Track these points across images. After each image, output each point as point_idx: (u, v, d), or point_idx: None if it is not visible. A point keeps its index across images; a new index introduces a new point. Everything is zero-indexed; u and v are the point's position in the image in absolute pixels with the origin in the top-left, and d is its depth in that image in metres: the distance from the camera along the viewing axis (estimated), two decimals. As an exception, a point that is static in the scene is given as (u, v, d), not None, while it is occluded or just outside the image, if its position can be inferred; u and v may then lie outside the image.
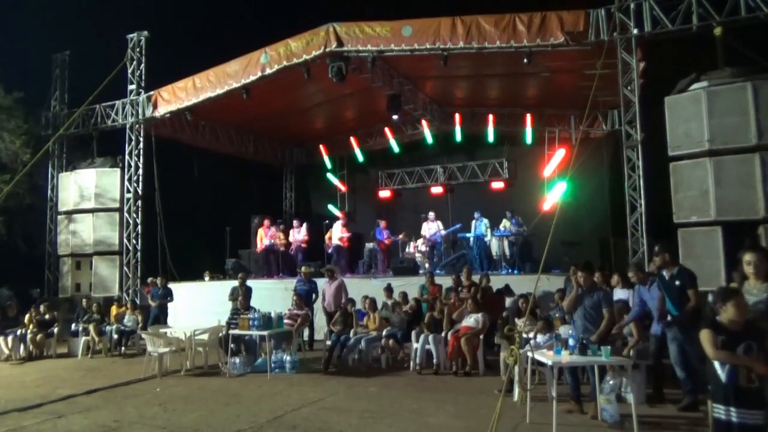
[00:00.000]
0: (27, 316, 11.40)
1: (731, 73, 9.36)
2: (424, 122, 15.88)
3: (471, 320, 8.52)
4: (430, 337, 8.61)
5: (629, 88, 10.25)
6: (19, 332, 11.11)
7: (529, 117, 14.97)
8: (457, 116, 15.66)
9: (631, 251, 10.06)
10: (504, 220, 13.06)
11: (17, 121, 14.86)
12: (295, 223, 15.05)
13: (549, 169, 14.25)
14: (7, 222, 13.71)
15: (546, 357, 5.65)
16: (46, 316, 11.61)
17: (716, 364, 3.62)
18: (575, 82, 12.05)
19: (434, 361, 8.52)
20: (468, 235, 13.34)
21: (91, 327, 11.29)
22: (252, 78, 12.65)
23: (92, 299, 13.04)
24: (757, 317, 3.99)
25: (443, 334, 8.66)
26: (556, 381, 5.51)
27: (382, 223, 14.40)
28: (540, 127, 14.96)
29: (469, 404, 6.58)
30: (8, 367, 10.37)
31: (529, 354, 5.85)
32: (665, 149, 9.68)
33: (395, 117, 14.46)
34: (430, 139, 16.21)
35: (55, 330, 11.60)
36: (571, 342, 5.67)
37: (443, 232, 13.83)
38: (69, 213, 15.14)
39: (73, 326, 11.78)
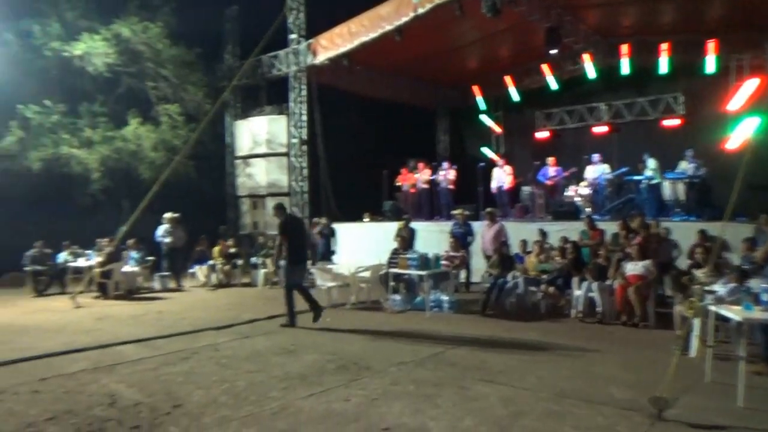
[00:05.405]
0: (216, 249, 12.99)
1: None
2: (585, 56, 14.71)
3: (639, 267, 7.99)
4: (594, 285, 8.25)
5: None
6: (210, 263, 12.78)
7: (712, 44, 13.12)
8: (624, 47, 14.26)
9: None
10: (682, 162, 11.82)
11: (199, 74, 16.42)
12: (444, 164, 15.04)
13: (736, 102, 12.52)
14: (196, 167, 15.46)
15: (733, 312, 5.14)
16: (231, 250, 13.18)
17: None
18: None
19: (597, 309, 8.19)
20: (637, 177, 12.31)
21: (268, 261, 12.54)
22: (404, 19, 12.61)
23: (267, 236, 14.42)
24: None
25: (609, 282, 8.24)
26: (745, 339, 5.00)
27: (551, 160, 13.81)
28: (724, 55, 13.06)
29: (639, 357, 6.27)
30: (204, 292, 12.04)
31: (711, 308, 5.36)
32: None
33: (554, 52, 13.52)
34: (592, 74, 14.98)
35: (239, 262, 13.11)
36: (764, 297, 5.08)
37: (609, 175, 12.92)
38: (244, 158, 16.67)
39: (252, 259, 13.21)
